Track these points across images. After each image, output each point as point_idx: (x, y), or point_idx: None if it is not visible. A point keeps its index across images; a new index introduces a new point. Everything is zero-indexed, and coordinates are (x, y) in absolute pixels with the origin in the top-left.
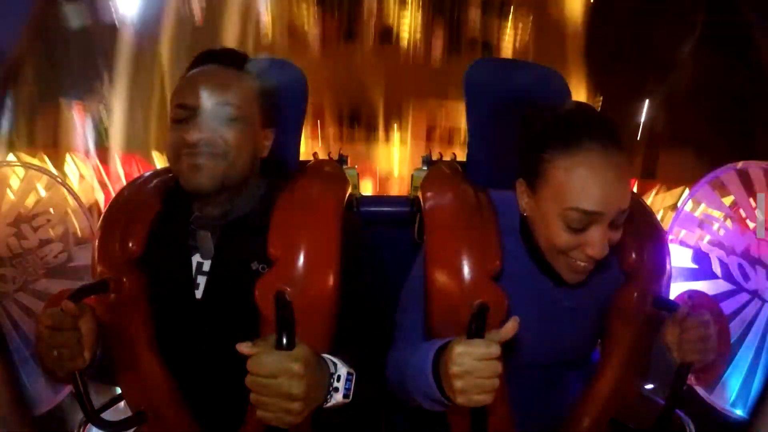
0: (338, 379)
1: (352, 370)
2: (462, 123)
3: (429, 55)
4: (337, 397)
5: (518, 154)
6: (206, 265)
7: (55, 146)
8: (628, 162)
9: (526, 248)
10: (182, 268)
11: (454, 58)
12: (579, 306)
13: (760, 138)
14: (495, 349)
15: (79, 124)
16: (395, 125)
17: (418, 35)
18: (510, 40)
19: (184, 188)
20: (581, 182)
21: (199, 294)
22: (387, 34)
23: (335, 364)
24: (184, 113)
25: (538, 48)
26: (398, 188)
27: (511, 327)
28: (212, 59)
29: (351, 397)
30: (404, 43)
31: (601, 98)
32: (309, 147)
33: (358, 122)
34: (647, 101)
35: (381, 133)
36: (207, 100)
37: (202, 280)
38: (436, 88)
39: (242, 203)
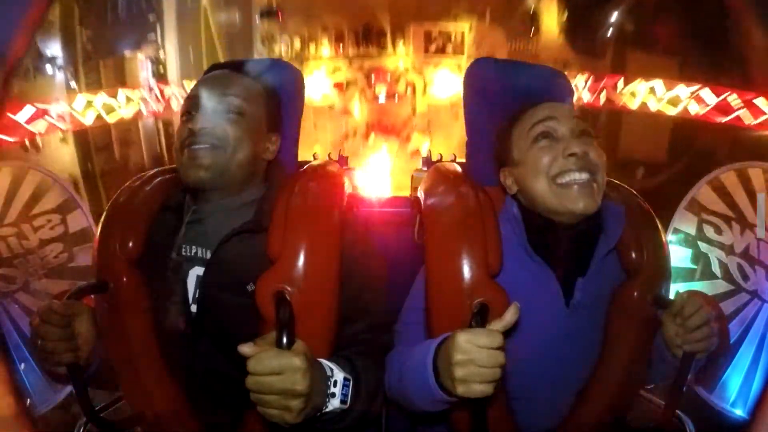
0: (335, 384)
1: (349, 376)
2: (450, 29)
3: None
4: (335, 403)
5: (494, 158)
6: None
7: (122, 85)
8: None
9: (528, 240)
10: (180, 282)
11: None
12: (585, 300)
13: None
14: (498, 339)
15: (141, 65)
16: (400, 41)
17: None
18: None
19: (184, 182)
20: (532, 111)
21: (195, 308)
22: None
23: (331, 369)
24: (191, 106)
25: None
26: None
27: (511, 314)
28: (222, 67)
29: (348, 403)
30: None
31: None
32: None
33: (369, 41)
34: (617, 9)
35: (389, 47)
36: (212, 93)
37: (200, 292)
38: (432, 10)
39: (239, 211)
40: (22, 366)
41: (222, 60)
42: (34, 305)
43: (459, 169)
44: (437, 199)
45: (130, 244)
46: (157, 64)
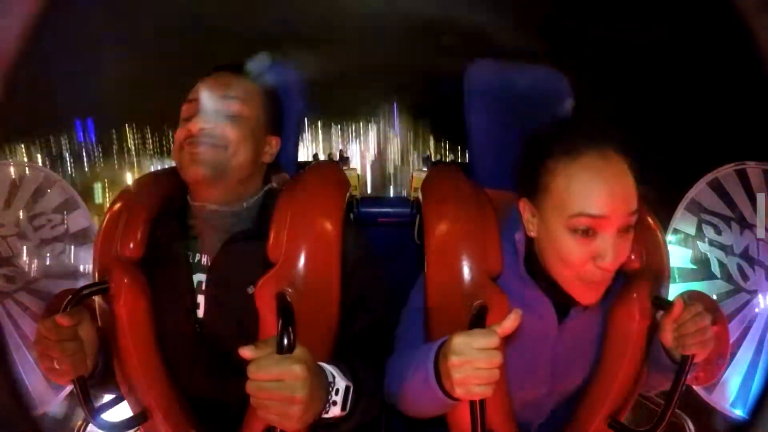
0: (336, 393)
1: (350, 383)
2: None
3: None
4: (335, 411)
5: (517, 173)
6: (203, 284)
7: None
8: (631, 167)
9: (527, 270)
10: (184, 288)
11: None
12: (582, 325)
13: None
14: (495, 339)
15: None
16: None
17: None
18: None
19: (184, 180)
20: (584, 186)
21: (201, 313)
22: None
23: (333, 376)
24: (191, 109)
25: None
26: None
27: (512, 320)
28: (227, 68)
29: (348, 409)
30: None
31: None
32: None
33: None
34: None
35: None
36: (212, 95)
37: (202, 299)
38: None
39: (241, 216)
40: (22, 366)
41: None
42: (34, 305)
43: (459, 170)
44: (437, 199)
45: (131, 245)
46: None
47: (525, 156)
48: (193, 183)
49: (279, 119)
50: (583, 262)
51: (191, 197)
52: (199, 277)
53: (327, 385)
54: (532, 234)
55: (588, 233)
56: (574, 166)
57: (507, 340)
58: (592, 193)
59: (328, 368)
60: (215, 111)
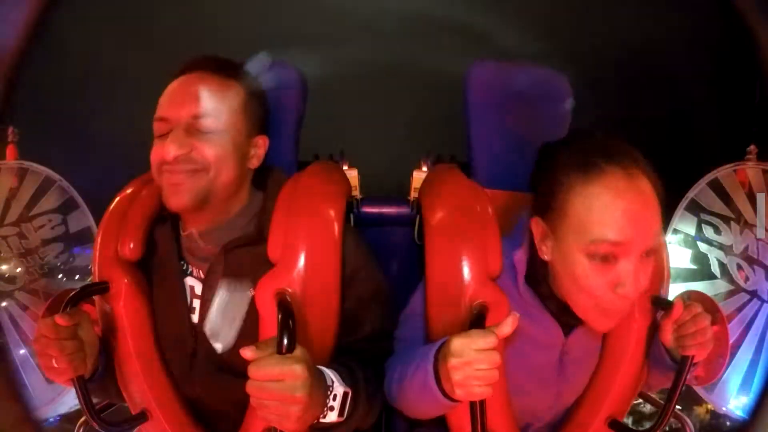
0: (334, 398)
1: (348, 390)
2: None
3: None
4: (332, 416)
5: (531, 190)
6: (198, 289)
7: None
8: (655, 186)
9: (532, 289)
10: (178, 292)
11: None
12: (587, 337)
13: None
14: (494, 340)
15: None
16: None
17: None
18: None
19: (167, 207)
20: (604, 209)
21: (195, 318)
22: None
23: (332, 381)
24: (164, 127)
25: None
26: None
27: (510, 322)
28: (198, 67)
29: (345, 416)
30: None
31: None
32: None
33: None
34: None
35: None
36: (184, 112)
37: (198, 304)
38: None
39: (235, 224)
40: (22, 366)
41: None
42: (34, 305)
43: (459, 170)
44: (437, 200)
45: (131, 245)
46: None
47: (537, 171)
48: (176, 211)
49: (264, 117)
50: (603, 290)
51: (181, 226)
52: (192, 282)
53: (326, 389)
54: (546, 257)
55: (608, 259)
56: (594, 185)
57: (511, 347)
58: (613, 217)
59: (328, 372)
60: (189, 131)
